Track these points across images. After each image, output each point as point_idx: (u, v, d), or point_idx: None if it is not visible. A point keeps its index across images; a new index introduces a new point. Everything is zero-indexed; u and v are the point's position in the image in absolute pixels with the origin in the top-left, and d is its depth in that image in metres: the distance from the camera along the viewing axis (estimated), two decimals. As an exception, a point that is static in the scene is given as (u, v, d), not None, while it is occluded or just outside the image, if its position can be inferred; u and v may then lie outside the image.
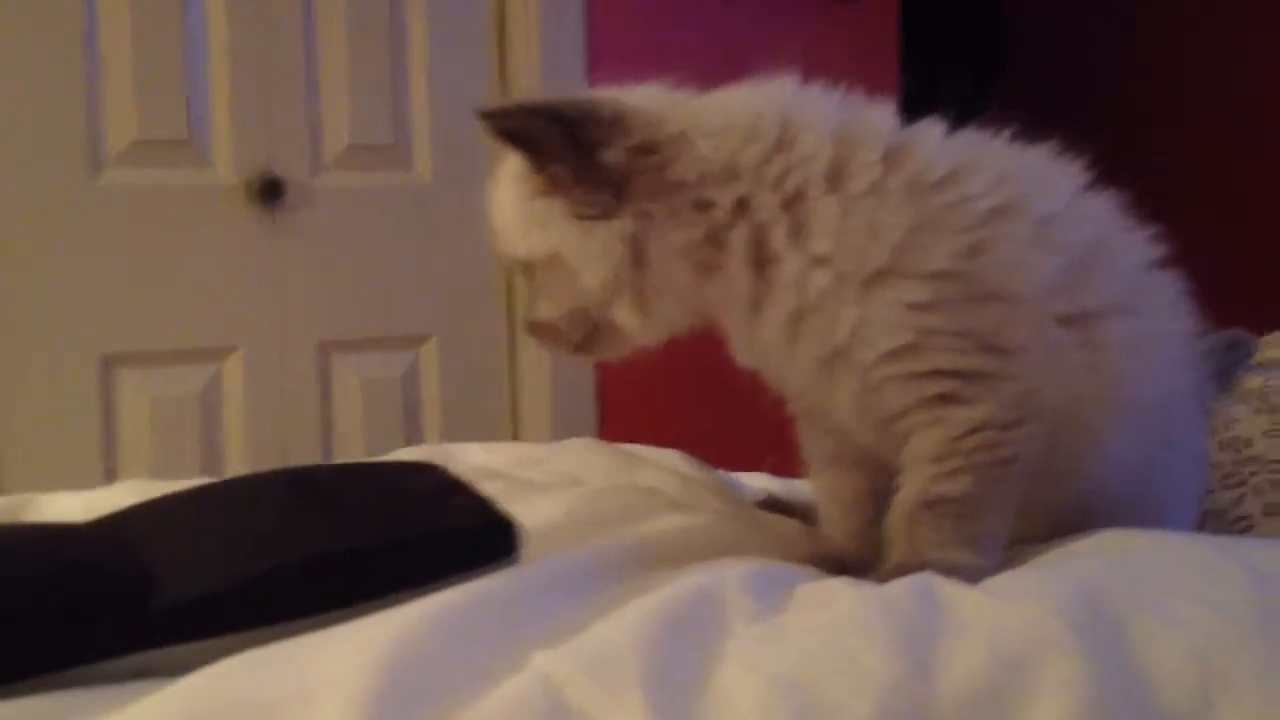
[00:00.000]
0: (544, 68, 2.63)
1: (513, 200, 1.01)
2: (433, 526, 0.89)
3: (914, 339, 0.96)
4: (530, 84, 2.63)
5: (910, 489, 1.00)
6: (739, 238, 0.98)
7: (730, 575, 0.90)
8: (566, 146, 0.96)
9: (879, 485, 1.06)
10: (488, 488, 1.03)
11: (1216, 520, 1.27)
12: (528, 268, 1.02)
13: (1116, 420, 1.01)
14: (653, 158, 0.98)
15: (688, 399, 2.66)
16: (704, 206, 0.98)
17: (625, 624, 0.81)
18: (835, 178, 0.98)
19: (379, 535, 0.86)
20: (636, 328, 1.01)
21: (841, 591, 0.89)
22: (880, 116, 1.02)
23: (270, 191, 2.43)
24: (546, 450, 1.31)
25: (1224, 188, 3.80)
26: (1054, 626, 0.78)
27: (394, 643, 0.77)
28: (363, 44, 2.53)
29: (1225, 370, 1.36)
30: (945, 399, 0.98)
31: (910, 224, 0.96)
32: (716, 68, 3.05)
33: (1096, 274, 1.01)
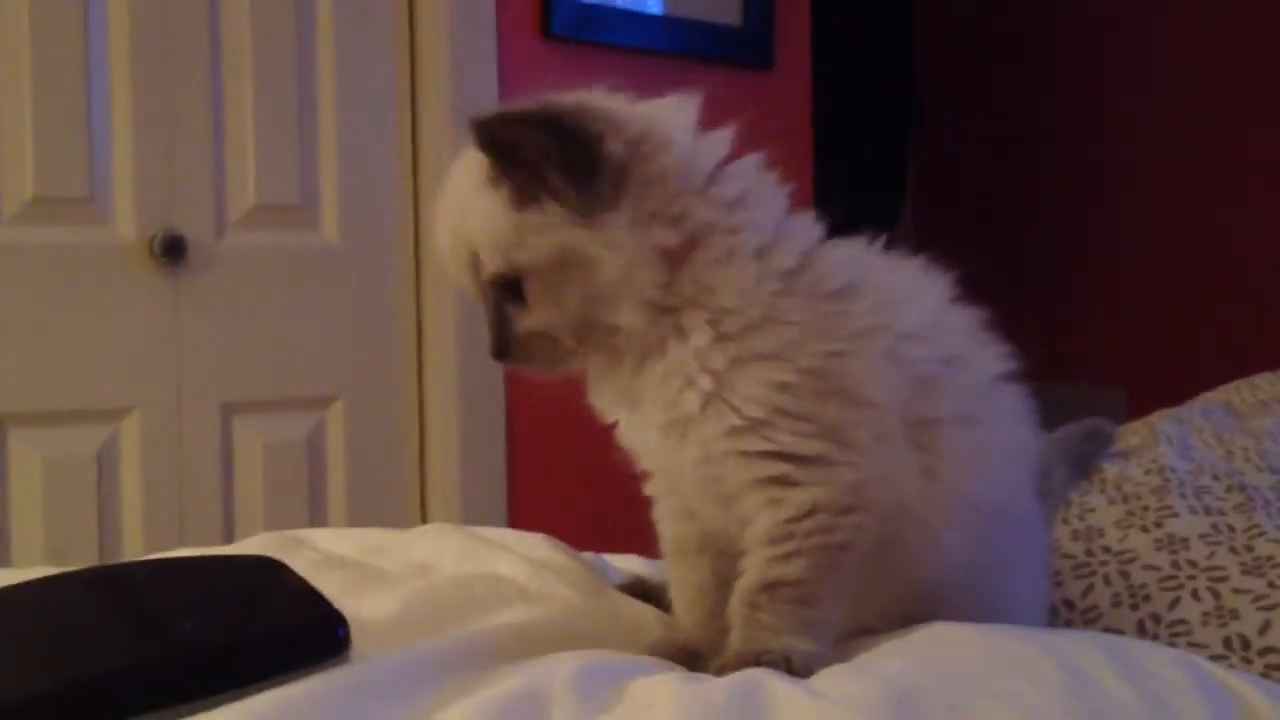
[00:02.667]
0: (456, 131, 2.64)
1: (494, 212, 0.99)
2: (257, 627, 0.89)
3: (765, 415, 1.00)
4: (441, 146, 2.64)
5: (750, 574, 1.03)
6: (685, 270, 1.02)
7: (559, 673, 0.91)
8: (563, 147, 0.97)
9: (724, 573, 1.09)
10: (332, 578, 1.03)
11: (1067, 610, 1.29)
12: (517, 280, 1.00)
13: (949, 518, 1.05)
14: (645, 146, 1.01)
15: (597, 461, 2.67)
16: (679, 219, 1.01)
17: None
18: (762, 255, 1.02)
19: (196, 638, 0.86)
20: (637, 325, 1.01)
21: (669, 692, 0.90)
22: (809, 222, 1.08)
23: (172, 250, 2.41)
24: (400, 536, 1.31)
25: (1109, 220, 3.90)
26: None
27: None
28: (270, 101, 2.53)
29: (1085, 458, 1.39)
30: (781, 481, 1.01)
31: (801, 321, 1.01)
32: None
33: (943, 386, 1.06)
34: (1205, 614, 1.20)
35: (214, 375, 2.51)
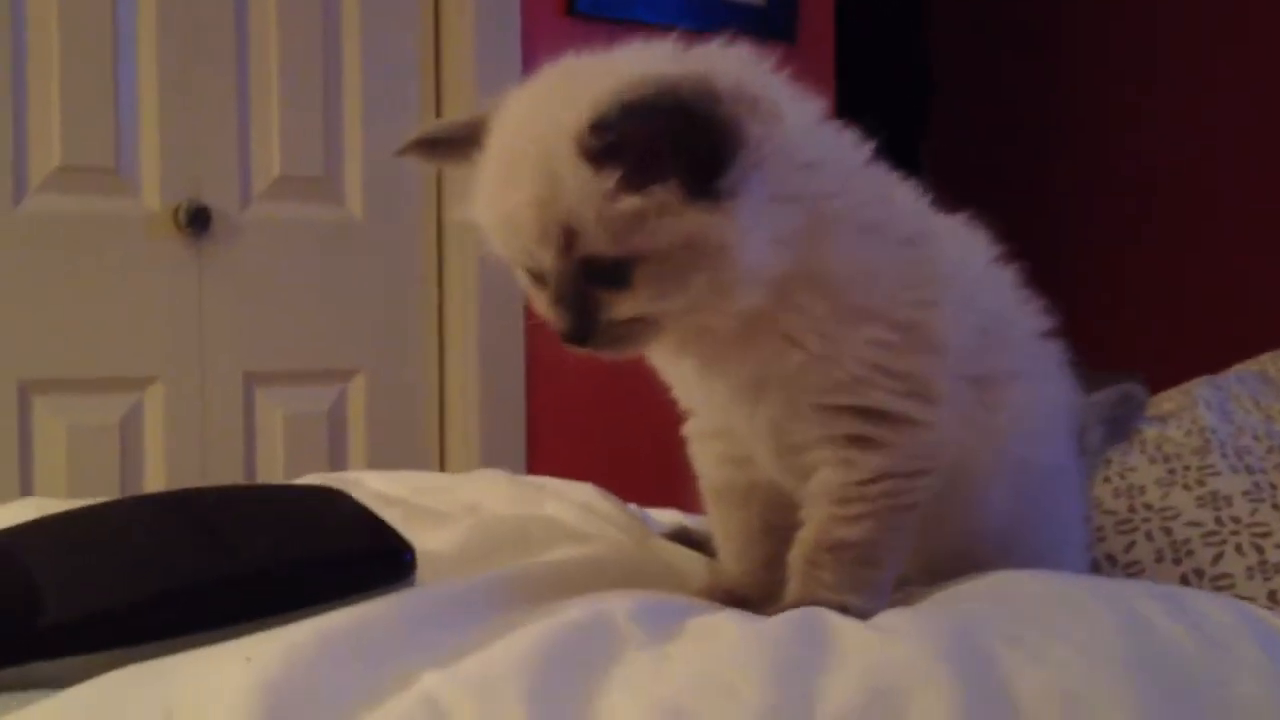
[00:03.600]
0: (480, 102, 2.64)
1: (605, 193, 0.89)
2: (325, 548, 0.89)
3: (865, 373, 0.99)
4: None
5: (811, 528, 1.03)
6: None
7: (621, 604, 0.91)
8: (695, 137, 0.89)
9: (772, 520, 1.09)
10: (386, 515, 1.03)
11: (1110, 565, 1.30)
12: (622, 263, 0.92)
13: (999, 475, 1.06)
14: (771, 126, 0.94)
15: (616, 436, 2.67)
16: (797, 197, 0.97)
17: (512, 648, 0.82)
18: (858, 214, 1.00)
19: (270, 556, 0.87)
20: (756, 306, 0.96)
21: (729, 624, 0.91)
22: (883, 170, 1.06)
23: (197, 220, 2.42)
24: (449, 480, 1.32)
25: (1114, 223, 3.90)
26: (928, 659, 0.82)
27: (280, 662, 0.78)
28: (296, 73, 2.53)
29: (1120, 420, 1.40)
30: (859, 441, 1.01)
31: (893, 273, 1.00)
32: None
33: (1000, 340, 1.07)
34: (1249, 568, 1.20)
35: (237, 346, 2.51)
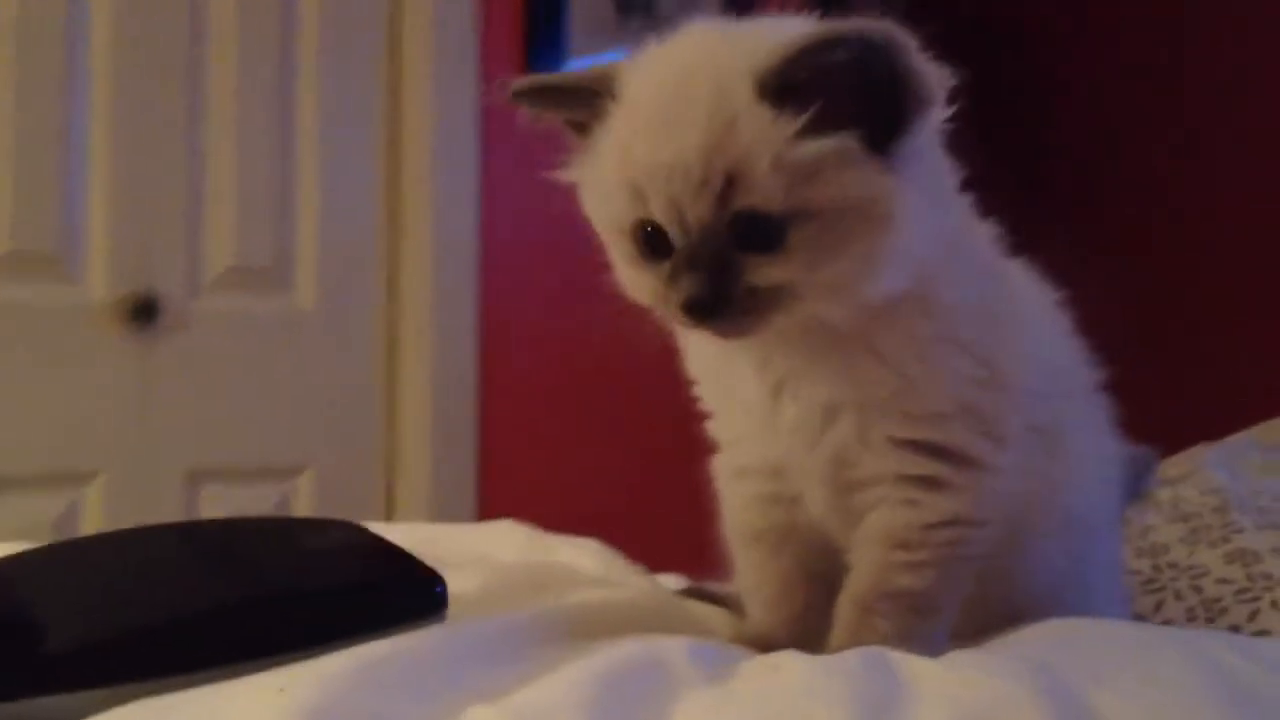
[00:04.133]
0: (436, 196, 2.61)
1: (784, 136, 0.83)
2: (353, 577, 0.82)
3: (950, 410, 0.93)
4: (421, 212, 2.60)
5: (868, 574, 0.96)
6: None
7: (672, 643, 0.85)
8: (889, 87, 0.84)
9: (812, 567, 1.02)
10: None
11: (1140, 624, 1.25)
12: (779, 220, 0.84)
13: (1054, 529, 1.01)
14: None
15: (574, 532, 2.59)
16: (942, 192, 0.92)
17: (567, 683, 0.76)
18: (964, 238, 0.96)
19: (293, 583, 0.79)
20: (885, 296, 0.90)
21: (792, 662, 0.84)
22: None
23: (144, 311, 2.34)
24: (455, 530, 1.24)
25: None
26: (1018, 691, 0.76)
27: (317, 691, 0.71)
28: (251, 161, 2.48)
29: (1132, 483, 1.37)
30: (927, 482, 0.95)
31: (983, 307, 0.95)
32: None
33: (1061, 389, 1.03)
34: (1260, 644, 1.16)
35: (182, 441, 2.42)
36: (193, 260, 2.43)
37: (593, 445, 2.64)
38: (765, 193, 0.83)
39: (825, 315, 0.89)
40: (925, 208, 0.87)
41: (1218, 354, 3.06)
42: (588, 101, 0.92)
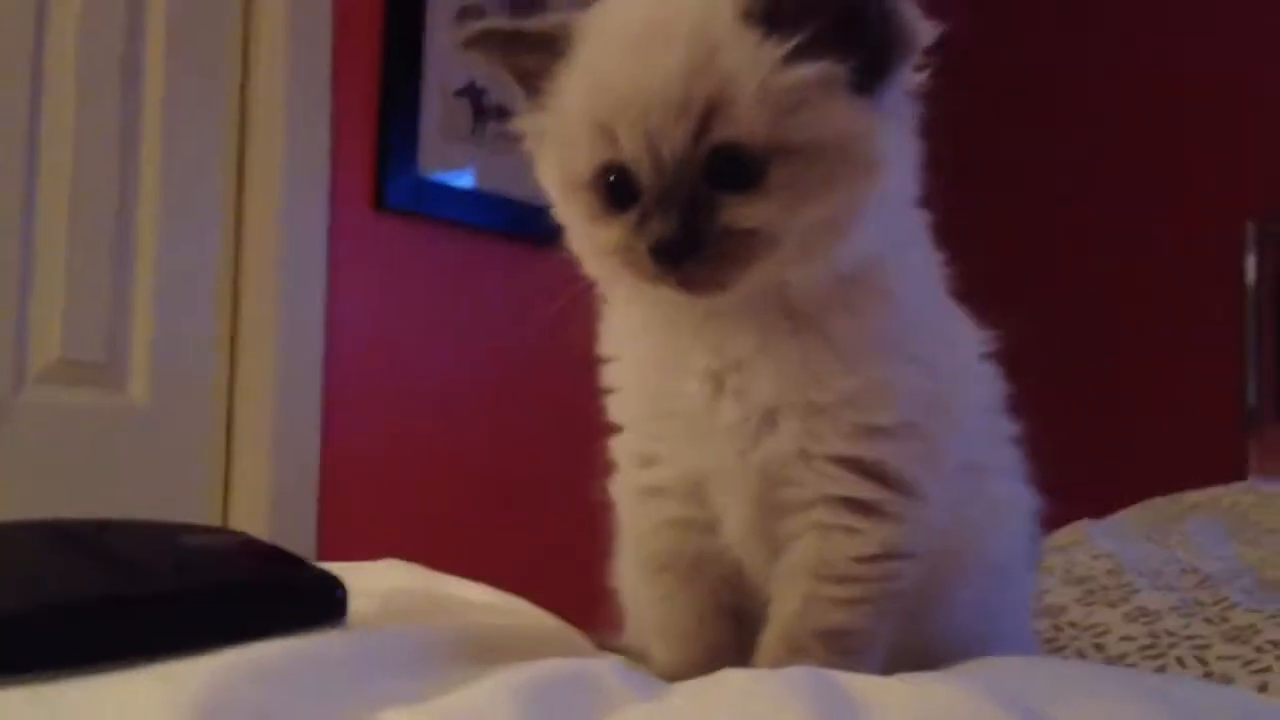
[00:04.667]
0: (280, 292, 2.51)
1: (769, 62, 0.77)
2: (245, 575, 0.73)
3: (892, 425, 0.87)
4: (264, 309, 2.50)
5: (795, 610, 0.88)
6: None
7: (599, 662, 0.78)
8: (879, 13, 0.79)
9: (726, 601, 0.95)
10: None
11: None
12: (759, 157, 0.79)
13: (972, 570, 0.95)
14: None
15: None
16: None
17: (493, 690, 0.68)
18: (920, 248, 0.92)
19: (180, 578, 0.70)
20: (862, 255, 0.84)
21: (732, 677, 0.77)
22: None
23: (-38, 404, 2.18)
24: (340, 567, 1.14)
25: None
26: (982, 703, 0.70)
27: (204, 684, 0.62)
28: (84, 248, 2.34)
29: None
30: (865, 508, 0.88)
31: (940, 324, 0.92)
32: (458, 336, 2.96)
33: (988, 432, 0.98)
34: (1194, 680, 1.13)
35: None
36: (19, 352, 2.28)
37: (442, 537, 2.54)
38: (748, 123, 0.78)
39: (797, 274, 0.83)
40: (903, 163, 0.84)
41: (1100, 433, 3.14)
42: (545, 49, 0.86)
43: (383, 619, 0.82)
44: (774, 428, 0.87)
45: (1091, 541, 1.41)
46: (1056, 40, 3.57)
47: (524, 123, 0.89)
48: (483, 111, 2.76)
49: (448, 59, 2.66)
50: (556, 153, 0.86)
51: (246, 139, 2.55)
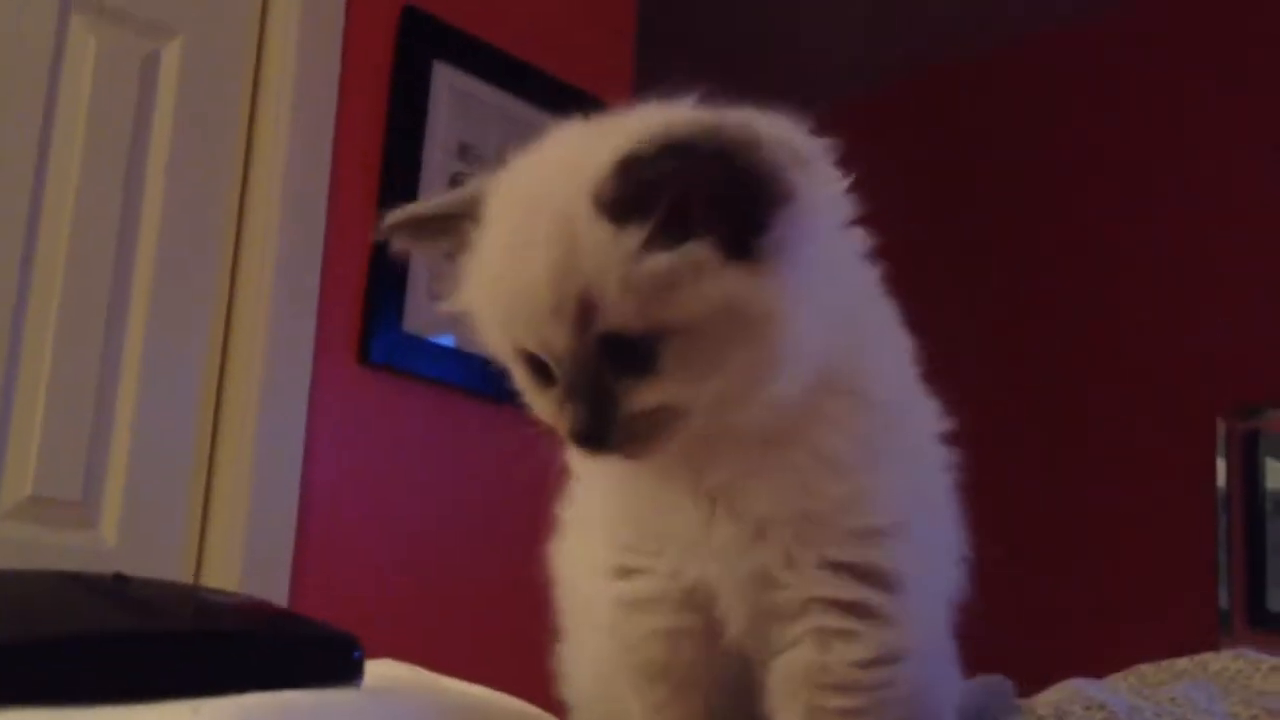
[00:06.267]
0: (258, 443, 2.50)
1: (629, 252, 0.77)
2: (270, 628, 0.71)
3: (886, 525, 0.85)
4: (241, 454, 2.48)
5: None
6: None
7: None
8: (738, 185, 0.77)
9: (722, 707, 0.92)
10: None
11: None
12: (647, 340, 0.78)
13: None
14: (818, 186, 0.82)
15: None
16: (839, 277, 0.85)
17: None
18: (894, 334, 0.91)
19: (206, 623, 0.69)
20: (791, 399, 0.82)
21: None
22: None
23: (-71, 540, 2.14)
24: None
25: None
26: None
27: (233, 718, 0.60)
28: (64, 387, 2.34)
29: (988, 711, 1.31)
30: (859, 610, 0.85)
31: (922, 410, 0.90)
32: (438, 496, 2.94)
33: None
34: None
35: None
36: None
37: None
38: (620, 314, 0.77)
39: (732, 424, 0.82)
40: (817, 299, 0.81)
41: (1068, 638, 3.09)
42: (454, 229, 0.86)
43: (396, 687, 0.80)
44: (763, 537, 0.85)
45: (1084, 690, 1.39)
46: (1026, 227, 3.65)
47: (450, 304, 0.87)
48: (470, 274, 2.81)
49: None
50: (479, 329, 0.86)
51: (236, 285, 2.58)
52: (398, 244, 0.90)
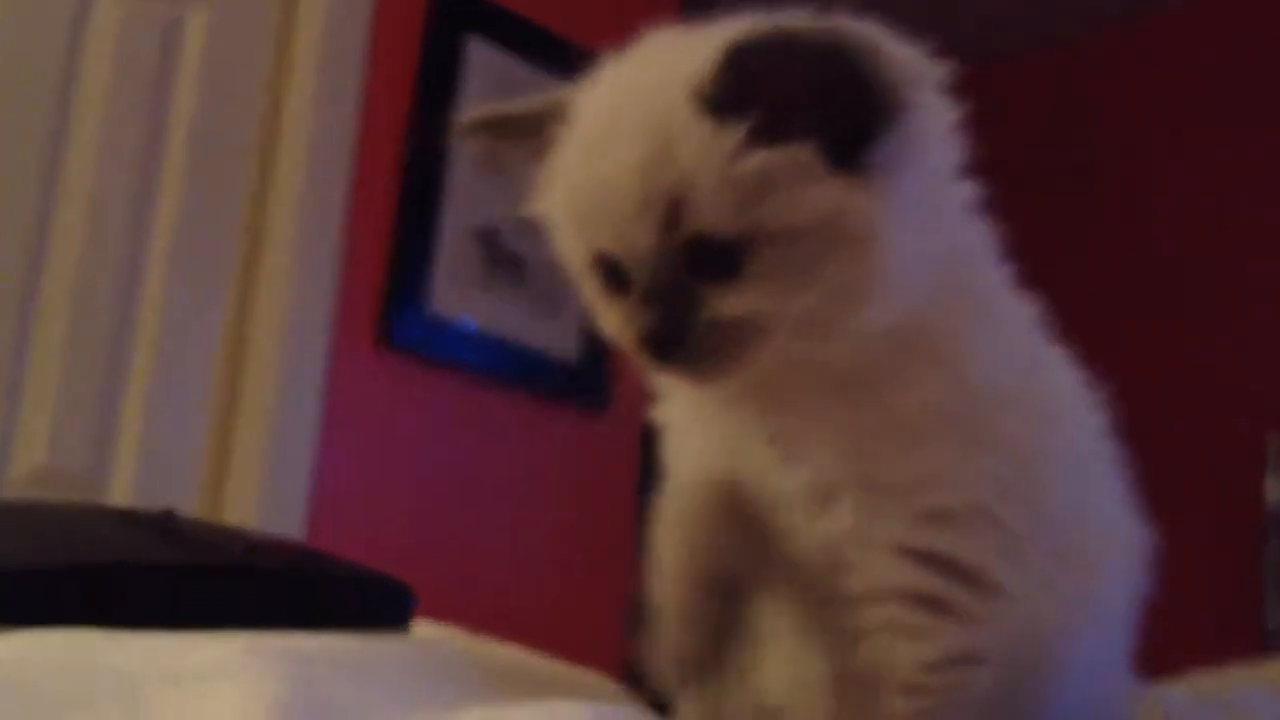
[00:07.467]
0: (271, 419, 2.46)
1: (730, 148, 0.73)
2: (322, 566, 0.69)
3: (960, 509, 0.79)
4: (260, 445, 2.45)
5: None
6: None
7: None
8: (851, 92, 0.73)
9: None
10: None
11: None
12: (737, 245, 0.74)
13: (1076, 665, 0.85)
14: (934, 112, 0.78)
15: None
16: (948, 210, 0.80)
17: (571, 707, 0.63)
18: (996, 303, 0.84)
19: (251, 560, 0.66)
20: (876, 333, 0.77)
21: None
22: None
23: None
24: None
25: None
26: None
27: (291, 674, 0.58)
28: (79, 358, 2.31)
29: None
30: (936, 605, 0.79)
31: (1026, 400, 0.83)
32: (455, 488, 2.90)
33: (1095, 513, 0.88)
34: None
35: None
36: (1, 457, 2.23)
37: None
38: (712, 214, 0.74)
39: (813, 353, 0.77)
40: (918, 232, 0.77)
41: None
42: (543, 130, 0.83)
43: (443, 638, 0.78)
44: (832, 504, 0.80)
45: (1137, 691, 1.36)
46: (1071, 234, 3.61)
47: (531, 207, 0.84)
48: (494, 257, 2.75)
49: (467, 198, 2.67)
50: (556, 235, 0.83)
51: (255, 260, 2.55)
52: (476, 143, 0.87)
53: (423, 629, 1.01)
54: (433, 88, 2.59)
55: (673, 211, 0.73)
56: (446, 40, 2.63)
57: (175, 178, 2.44)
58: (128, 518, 0.69)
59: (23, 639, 0.56)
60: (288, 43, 2.54)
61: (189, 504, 2.41)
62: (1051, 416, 0.83)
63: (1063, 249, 3.67)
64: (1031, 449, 0.81)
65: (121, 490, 2.35)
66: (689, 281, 0.75)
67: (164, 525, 0.67)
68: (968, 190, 0.82)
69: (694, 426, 0.87)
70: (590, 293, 0.81)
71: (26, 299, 2.27)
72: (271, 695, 0.56)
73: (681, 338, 0.74)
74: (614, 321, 0.79)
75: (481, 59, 2.68)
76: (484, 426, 2.74)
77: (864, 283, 0.74)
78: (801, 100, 0.73)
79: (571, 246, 0.80)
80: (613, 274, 0.78)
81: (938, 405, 0.78)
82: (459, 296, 2.69)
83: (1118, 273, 3.53)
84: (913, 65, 0.75)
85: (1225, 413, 3.29)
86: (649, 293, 0.75)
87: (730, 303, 0.74)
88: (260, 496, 2.45)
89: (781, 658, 0.88)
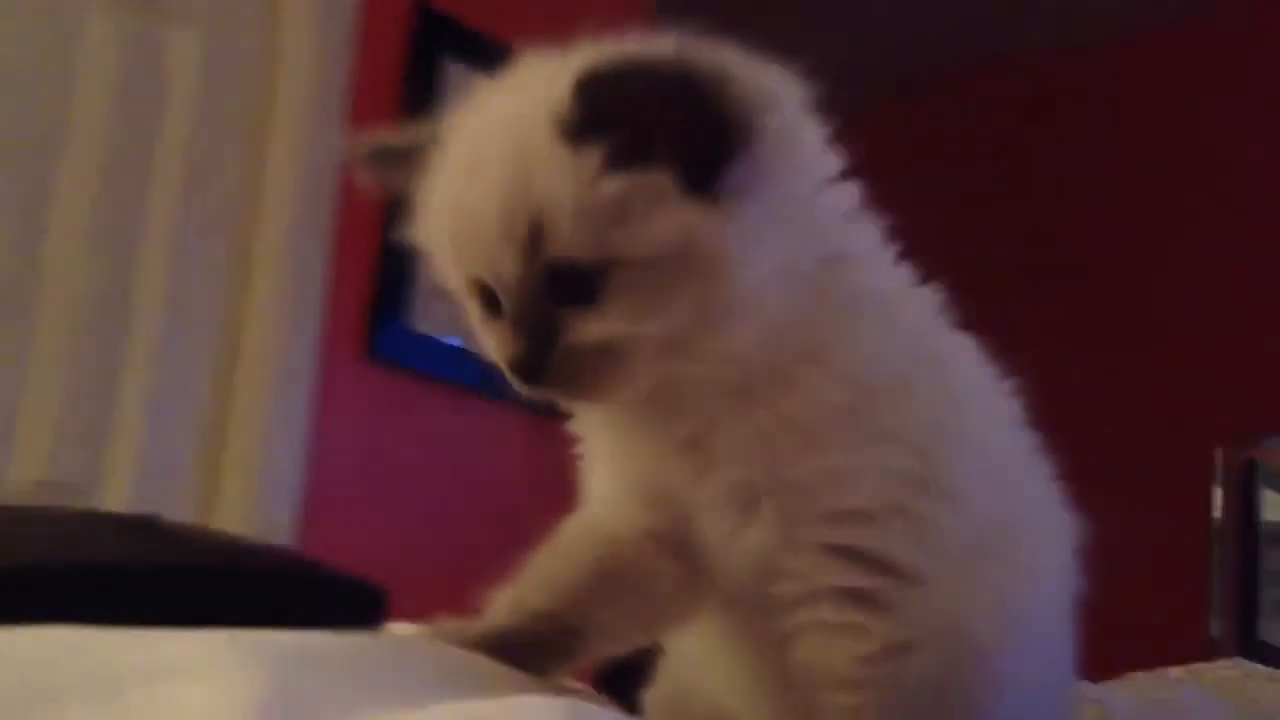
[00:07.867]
0: (264, 428, 2.49)
1: (586, 176, 0.74)
2: (296, 566, 0.72)
3: (876, 508, 0.80)
4: (251, 453, 2.48)
5: None
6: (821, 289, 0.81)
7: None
8: (699, 120, 0.74)
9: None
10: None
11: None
12: (594, 270, 0.76)
13: (1005, 645, 0.85)
14: (791, 131, 0.79)
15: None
16: (812, 233, 0.81)
17: (545, 701, 0.65)
18: (885, 304, 0.85)
19: (231, 556, 0.69)
20: (746, 356, 0.79)
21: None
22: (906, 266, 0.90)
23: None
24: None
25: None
26: None
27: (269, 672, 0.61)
28: (73, 374, 2.34)
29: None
30: (865, 600, 0.80)
31: (924, 389, 0.83)
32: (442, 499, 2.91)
33: (1014, 492, 0.90)
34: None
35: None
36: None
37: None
38: (571, 241, 0.75)
39: (682, 373, 0.79)
40: (778, 252, 0.78)
41: None
42: (412, 162, 0.84)
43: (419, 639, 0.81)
44: (754, 511, 0.81)
45: (1079, 689, 1.40)
46: (1023, 251, 3.63)
47: (407, 235, 0.86)
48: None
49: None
50: (433, 260, 0.84)
51: (245, 278, 2.57)
52: (364, 174, 0.88)
53: (397, 628, 1.05)
54: (415, 110, 2.62)
55: (534, 238, 0.75)
56: (425, 63, 2.68)
57: (165, 197, 2.46)
58: (108, 520, 0.72)
59: (-3, 637, 0.58)
60: (274, 63, 2.58)
61: (180, 514, 2.42)
62: (954, 404, 0.85)
63: (1015, 264, 3.69)
64: (934, 435, 0.82)
65: (114, 502, 2.37)
66: (551, 307, 0.77)
67: (144, 527, 0.70)
68: (846, 198, 0.84)
69: (607, 441, 0.88)
70: (471, 316, 0.83)
71: (21, 314, 2.29)
72: (247, 690, 0.58)
73: (542, 363, 0.77)
74: (491, 344, 0.81)
75: (460, 82, 2.73)
76: (470, 439, 2.77)
77: (720, 304, 0.76)
78: (652, 128, 0.75)
79: (450, 273, 0.82)
80: (488, 299, 0.80)
81: (826, 403, 0.80)
82: (442, 311, 2.71)
83: (1073, 287, 3.54)
84: (765, 91, 0.77)
85: (1175, 428, 3.31)
86: (514, 319, 0.77)
87: (589, 328, 0.76)
88: (250, 507, 2.48)
89: (721, 665, 0.90)
